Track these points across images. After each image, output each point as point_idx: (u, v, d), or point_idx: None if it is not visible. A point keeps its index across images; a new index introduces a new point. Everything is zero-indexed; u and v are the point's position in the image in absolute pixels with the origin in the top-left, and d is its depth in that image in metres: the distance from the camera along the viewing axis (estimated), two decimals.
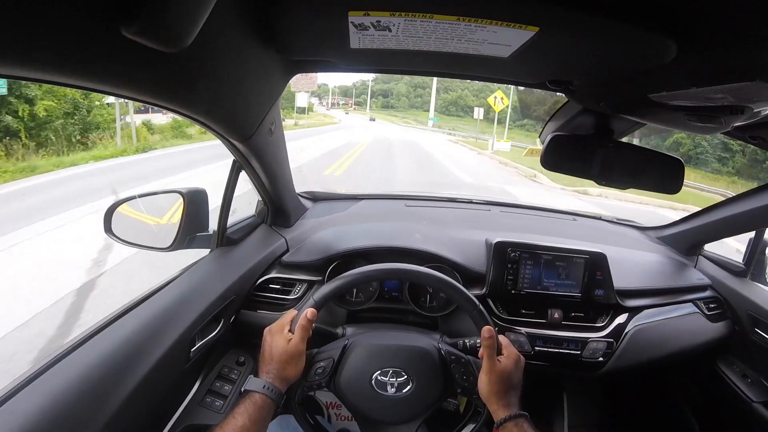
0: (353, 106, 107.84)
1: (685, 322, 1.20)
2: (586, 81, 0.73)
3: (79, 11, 0.33)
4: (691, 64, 0.53)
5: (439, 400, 0.82)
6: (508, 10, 0.47)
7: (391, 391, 0.79)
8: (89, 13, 0.34)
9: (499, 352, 0.80)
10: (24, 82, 0.55)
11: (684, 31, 0.47)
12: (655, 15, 0.45)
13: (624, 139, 1.01)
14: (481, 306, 0.85)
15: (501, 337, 0.82)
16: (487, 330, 0.78)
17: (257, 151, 0.91)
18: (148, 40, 0.36)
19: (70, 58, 0.37)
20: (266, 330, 0.81)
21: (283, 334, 0.77)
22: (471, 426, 0.85)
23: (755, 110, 0.60)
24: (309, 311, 0.78)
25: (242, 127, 0.79)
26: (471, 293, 0.87)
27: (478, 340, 0.81)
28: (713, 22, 0.44)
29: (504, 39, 0.54)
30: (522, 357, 0.82)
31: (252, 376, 0.76)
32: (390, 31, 0.54)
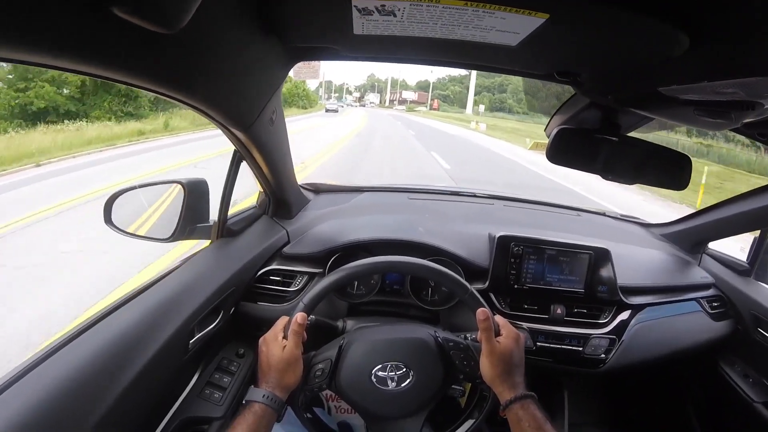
0: (432, 101, 78.34)
1: (687, 321, 1.20)
2: (594, 73, 0.72)
3: None
4: (703, 57, 0.52)
5: (442, 389, 0.81)
6: None
7: (391, 385, 0.78)
8: None
9: (498, 333, 0.79)
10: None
11: (697, 23, 0.45)
12: (668, 6, 0.44)
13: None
14: (473, 289, 0.84)
15: (498, 317, 0.82)
16: (481, 312, 0.77)
17: (258, 141, 0.90)
18: (142, 20, 0.35)
19: (62, 41, 0.36)
20: (261, 340, 0.81)
21: (277, 342, 0.78)
22: (477, 411, 0.85)
23: (766, 106, 0.59)
24: (299, 316, 0.78)
25: (242, 115, 0.78)
26: (474, 287, 0.85)
27: None
28: (727, 14, 0.43)
29: (512, 26, 0.53)
30: (521, 334, 0.81)
31: (252, 386, 0.76)
32: (395, 16, 0.53)
